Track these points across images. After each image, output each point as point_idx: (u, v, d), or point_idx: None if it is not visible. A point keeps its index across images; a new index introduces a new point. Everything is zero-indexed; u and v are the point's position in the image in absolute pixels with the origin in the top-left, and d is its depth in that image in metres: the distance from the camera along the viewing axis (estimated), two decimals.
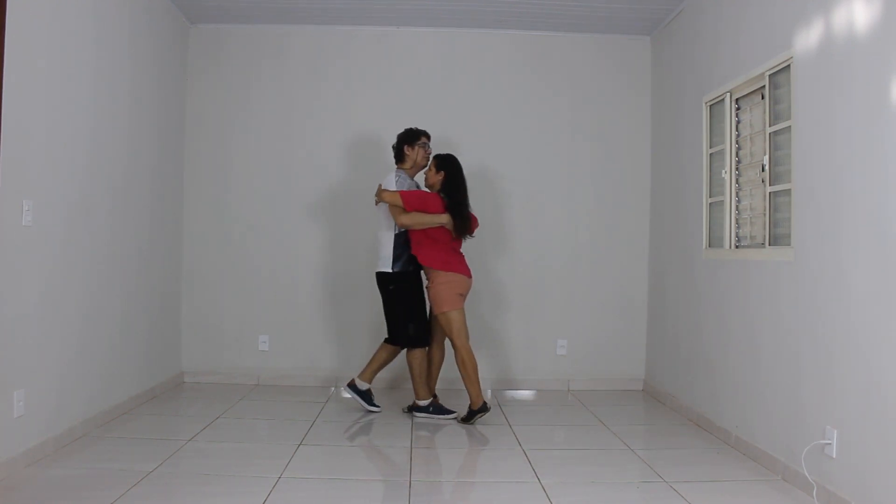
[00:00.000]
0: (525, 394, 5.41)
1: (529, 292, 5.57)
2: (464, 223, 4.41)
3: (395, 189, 4.37)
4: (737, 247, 4.16)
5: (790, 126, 3.45)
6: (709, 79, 4.45)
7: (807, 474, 3.10)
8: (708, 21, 4.52)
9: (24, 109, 3.19)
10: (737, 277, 4.01)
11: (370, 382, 4.56)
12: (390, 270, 4.40)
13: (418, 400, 4.48)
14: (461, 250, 4.54)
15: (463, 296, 4.44)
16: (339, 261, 5.51)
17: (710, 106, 4.47)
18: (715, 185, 4.44)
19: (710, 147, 4.49)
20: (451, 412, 4.45)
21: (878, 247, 2.77)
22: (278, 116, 5.51)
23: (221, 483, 3.23)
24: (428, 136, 4.59)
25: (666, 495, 3.13)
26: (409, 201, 4.30)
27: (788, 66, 3.48)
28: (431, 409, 4.47)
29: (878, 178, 2.77)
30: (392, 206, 4.33)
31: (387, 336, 4.55)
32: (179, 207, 5.38)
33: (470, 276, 4.47)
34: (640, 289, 5.59)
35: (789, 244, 3.44)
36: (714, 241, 4.43)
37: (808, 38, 3.29)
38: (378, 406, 4.58)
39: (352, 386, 4.55)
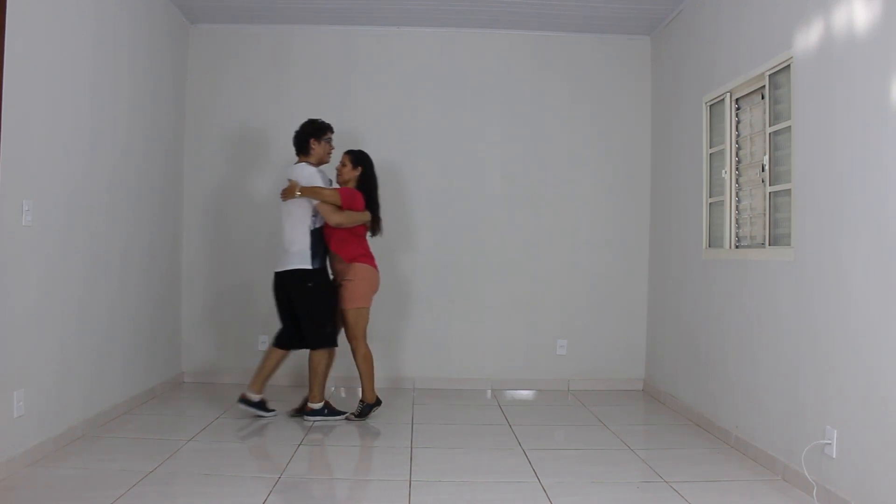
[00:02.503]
0: (525, 394, 5.41)
1: (529, 292, 5.57)
2: (378, 220, 4.47)
3: (322, 185, 4.28)
4: (737, 247, 4.16)
5: (790, 126, 3.45)
6: (709, 79, 4.45)
7: (807, 474, 3.10)
8: (708, 21, 4.52)
9: (24, 109, 3.19)
10: (737, 277, 4.01)
11: (261, 392, 4.37)
12: (310, 267, 4.23)
13: (313, 403, 4.32)
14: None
15: (374, 293, 4.47)
16: None
17: (710, 106, 4.47)
18: (715, 185, 4.44)
19: (710, 147, 4.49)
20: (343, 412, 4.39)
21: (878, 247, 2.77)
22: (278, 116, 5.50)
23: (221, 483, 3.23)
24: (332, 130, 4.49)
25: (666, 495, 3.13)
26: (346, 200, 4.26)
27: (788, 66, 3.48)
28: (326, 411, 4.34)
29: (878, 178, 2.77)
30: (324, 204, 4.22)
31: (276, 339, 4.39)
32: (179, 207, 5.38)
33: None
34: (640, 289, 5.59)
35: (789, 244, 3.44)
36: (714, 241, 4.43)
37: (808, 38, 3.29)
38: (273, 409, 4.44)
39: (244, 400, 4.33)
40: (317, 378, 4.32)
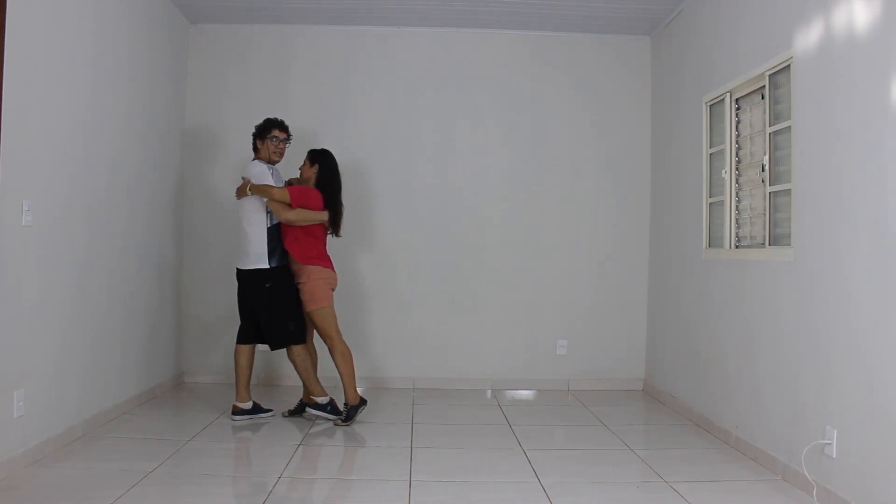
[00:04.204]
0: (525, 394, 5.41)
1: (529, 292, 5.57)
2: (338, 219, 4.37)
3: (271, 183, 4.21)
4: (737, 247, 4.16)
5: (790, 126, 3.46)
6: (709, 79, 4.45)
7: (807, 474, 3.10)
8: (708, 21, 4.52)
9: (24, 109, 3.19)
10: (737, 277, 4.01)
11: (250, 398, 4.36)
12: (268, 266, 4.19)
13: (316, 397, 4.30)
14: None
15: (333, 292, 4.38)
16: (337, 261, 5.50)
17: (710, 106, 4.46)
18: (715, 185, 4.44)
19: (710, 147, 4.49)
20: (340, 411, 4.29)
21: (878, 247, 2.77)
22: (278, 116, 5.49)
23: (221, 483, 3.23)
24: (283, 129, 4.39)
25: (666, 495, 3.13)
26: (296, 198, 4.19)
27: (788, 66, 3.48)
28: (329, 408, 4.29)
29: (878, 178, 2.77)
30: (274, 201, 4.17)
31: (238, 337, 4.36)
32: (179, 207, 5.38)
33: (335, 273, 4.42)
34: (640, 289, 5.59)
35: (789, 244, 3.44)
36: (714, 241, 4.43)
37: (808, 38, 3.29)
38: (270, 409, 4.45)
39: (237, 412, 4.30)
40: (303, 374, 4.30)
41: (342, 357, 4.29)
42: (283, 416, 4.44)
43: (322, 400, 4.31)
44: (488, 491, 3.17)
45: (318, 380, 4.36)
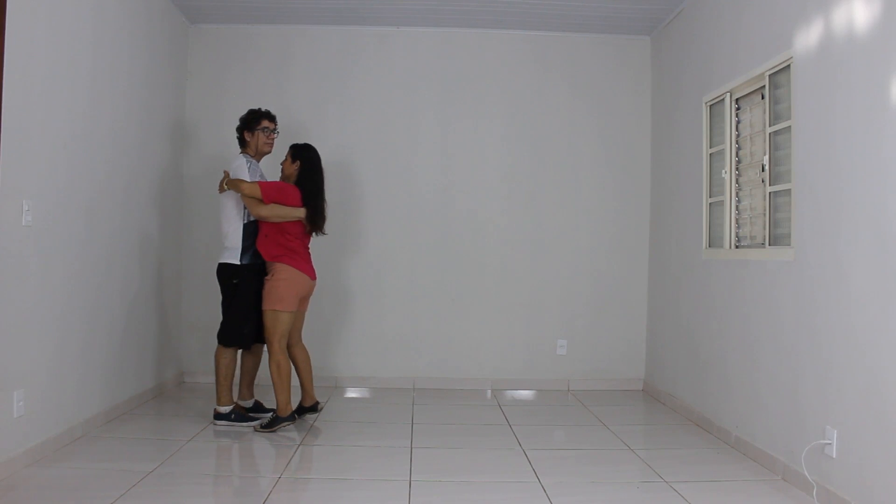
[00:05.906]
0: (525, 394, 5.41)
1: (529, 292, 5.57)
2: (317, 216, 4.21)
3: (248, 178, 4.10)
4: (737, 247, 4.16)
5: (790, 126, 3.46)
6: (709, 79, 4.45)
7: (807, 474, 3.10)
8: (708, 21, 4.52)
9: (24, 109, 3.19)
10: (737, 277, 4.01)
11: (252, 396, 4.37)
12: (238, 262, 4.10)
13: (218, 405, 4.17)
14: (309, 247, 4.33)
15: (302, 299, 4.22)
16: (329, 261, 5.51)
17: (710, 106, 4.47)
18: (715, 185, 4.44)
19: (710, 147, 4.49)
20: (253, 419, 4.20)
21: (877, 247, 2.77)
22: (278, 116, 5.48)
23: (222, 483, 3.23)
24: (271, 119, 4.33)
25: (666, 495, 3.13)
26: (268, 193, 4.06)
27: (788, 66, 3.49)
28: (233, 416, 4.17)
29: (878, 178, 2.77)
30: (247, 197, 4.07)
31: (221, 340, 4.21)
32: (179, 207, 5.38)
33: (314, 279, 4.25)
34: (640, 289, 5.59)
35: (789, 244, 3.44)
36: (714, 241, 4.44)
37: (808, 38, 3.29)
38: (271, 409, 4.35)
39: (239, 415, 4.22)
40: (219, 377, 4.14)
41: (277, 369, 4.08)
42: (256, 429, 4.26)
43: (223, 409, 4.17)
44: (488, 491, 3.17)
45: (229, 388, 4.18)
